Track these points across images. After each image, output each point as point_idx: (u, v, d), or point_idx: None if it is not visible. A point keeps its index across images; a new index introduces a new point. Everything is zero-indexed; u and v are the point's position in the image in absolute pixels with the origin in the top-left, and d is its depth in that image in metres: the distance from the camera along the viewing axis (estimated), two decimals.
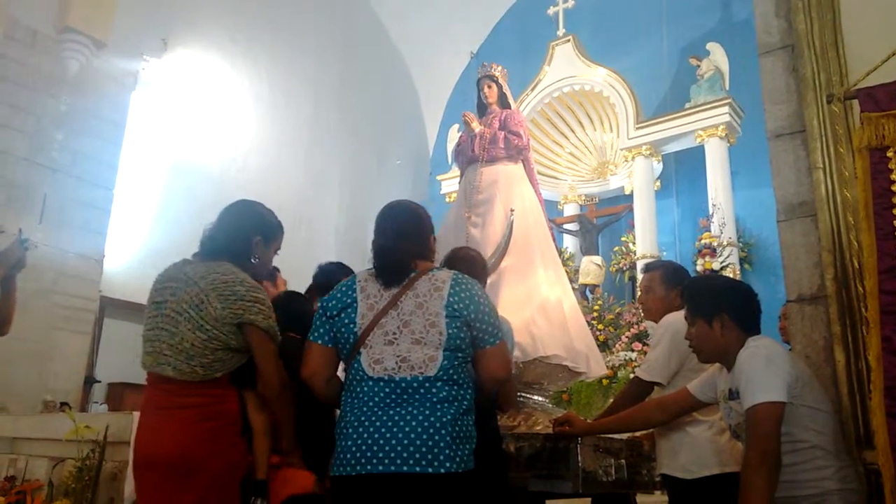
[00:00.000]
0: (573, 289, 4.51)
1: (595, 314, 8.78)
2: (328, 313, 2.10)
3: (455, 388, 2.00)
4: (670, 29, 10.05)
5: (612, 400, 3.27)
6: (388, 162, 11.99)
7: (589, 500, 3.24)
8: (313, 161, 10.64)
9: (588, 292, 9.39)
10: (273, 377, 2.18)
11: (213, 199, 9.00)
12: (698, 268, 8.30)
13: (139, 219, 8.33)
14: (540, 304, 3.79)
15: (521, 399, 3.68)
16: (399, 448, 1.89)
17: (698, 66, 9.27)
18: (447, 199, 10.47)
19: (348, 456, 1.94)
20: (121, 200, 7.91)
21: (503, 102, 4.49)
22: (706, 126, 8.85)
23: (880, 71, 2.26)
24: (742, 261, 8.55)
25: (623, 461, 3.05)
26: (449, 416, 1.95)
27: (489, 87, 4.48)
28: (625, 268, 9.51)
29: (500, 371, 2.14)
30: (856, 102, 2.30)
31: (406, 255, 2.12)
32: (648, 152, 9.35)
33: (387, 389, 1.96)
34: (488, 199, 4.13)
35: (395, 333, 2.01)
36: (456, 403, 1.98)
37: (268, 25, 10.15)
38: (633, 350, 8.12)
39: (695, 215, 9.16)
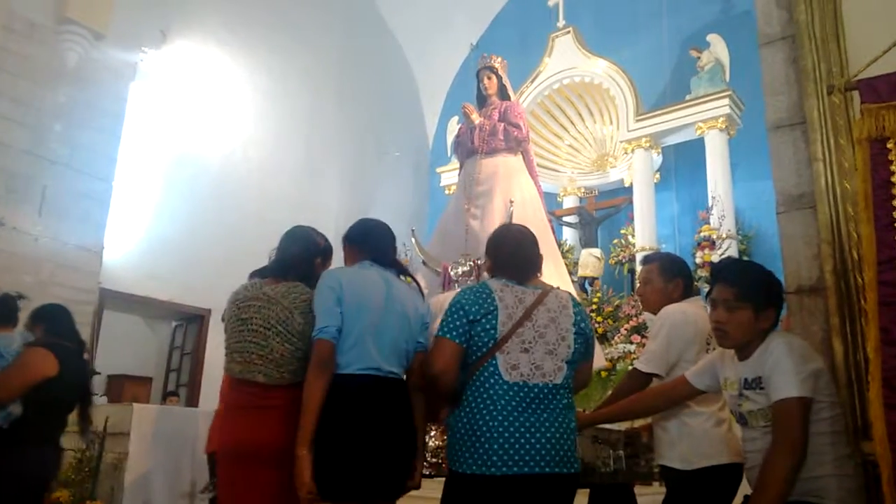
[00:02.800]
0: (572, 281, 4.51)
1: (594, 306, 8.77)
2: (469, 317, 2.23)
3: (571, 395, 2.29)
4: (671, 20, 10.01)
5: (610, 392, 3.28)
6: (388, 153, 11.96)
7: (587, 490, 3.25)
8: (312, 153, 10.61)
9: (587, 284, 9.38)
10: None
11: (212, 190, 9.12)
12: (697, 260, 8.29)
13: (138, 210, 8.32)
14: None
15: None
16: (543, 451, 2.11)
17: (699, 57, 9.21)
18: (447, 192, 10.38)
19: (494, 458, 2.09)
20: (120, 192, 7.89)
21: (503, 94, 4.48)
22: (706, 118, 8.80)
23: (881, 62, 2.26)
24: (741, 253, 8.53)
25: (621, 452, 3.05)
26: (573, 424, 2.25)
27: (489, 78, 4.47)
28: (624, 260, 9.50)
29: (589, 381, 2.56)
30: (856, 93, 2.30)
31: (537, 267, 2.41)
32: (648, 144, 9.32)
33: (521, 394, 2.17)
34: (488, 191, 4.13)
35: (530, 343, 2.22)
36: (572, 411, 2.28)
37: (267, 17, 10.10)
38: (631, 342, 8.10)
39: (694, 207, 9.14)
